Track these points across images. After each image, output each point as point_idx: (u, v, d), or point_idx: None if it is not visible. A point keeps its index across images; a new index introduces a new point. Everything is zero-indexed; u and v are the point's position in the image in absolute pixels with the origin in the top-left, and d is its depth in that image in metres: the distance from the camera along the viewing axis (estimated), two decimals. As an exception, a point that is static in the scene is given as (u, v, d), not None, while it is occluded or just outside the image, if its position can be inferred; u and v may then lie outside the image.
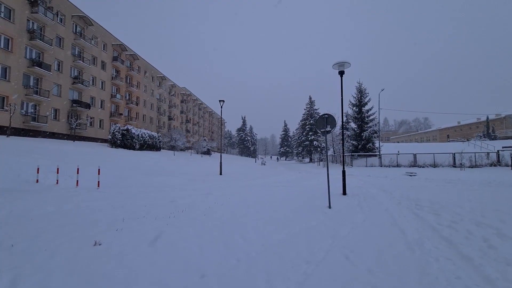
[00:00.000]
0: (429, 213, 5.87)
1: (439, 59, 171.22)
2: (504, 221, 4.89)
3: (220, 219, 5.21)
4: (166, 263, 3.07)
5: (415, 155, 25.51)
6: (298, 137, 61.87)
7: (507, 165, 21.50)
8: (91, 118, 31.59)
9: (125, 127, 27.87)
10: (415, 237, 4.19)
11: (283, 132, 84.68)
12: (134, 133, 27.69)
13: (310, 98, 59.79)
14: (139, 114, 42.56)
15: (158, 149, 32.56)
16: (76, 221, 4.72)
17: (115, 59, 35.80)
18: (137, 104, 41.25)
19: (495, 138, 45.26)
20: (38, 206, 5.72)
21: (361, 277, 2.80)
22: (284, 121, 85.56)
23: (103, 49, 34.18)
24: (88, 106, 29.87)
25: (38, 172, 9.02)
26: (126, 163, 17.13)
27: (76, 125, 27.48)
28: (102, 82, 34.05)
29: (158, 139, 32.66)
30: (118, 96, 36.18)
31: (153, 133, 32.45)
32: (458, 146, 33.93)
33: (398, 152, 27.69)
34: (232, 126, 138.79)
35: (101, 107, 33.85)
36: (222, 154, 24.81)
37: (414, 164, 25.07)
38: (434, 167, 23.79)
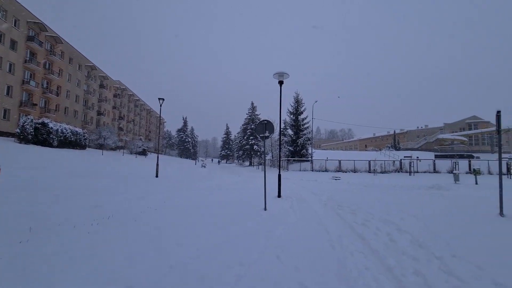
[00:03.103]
0: (348, 213, 6.72)
1: (369, 76, 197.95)
2: (403, 218, 5.95)
3: (153, 225, 4.92)
4: (87, 276, 2.75)
5: (340, 162, 28.83)
6: (239, 141, 62.75)
7: (406, 171, 26.18)
8: (-10, 106, 25.82)
9: (40, 120, 23.71)
10: (336, 234, 4.75)
11: (224, 135, 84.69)
12: (52, 128, 23.76)
13: (252, 103, 61.55)
14: (60, 106, 36.73)
15: (82, 147, 28.70)
16: (-38, 234, 3.80)
17: (30, 39, 30.13)
18: (57, 95, 35.53)
19: (399, 149, 54.35)
20: None
21: (289, 275, 3.03)
22: (227, 124, 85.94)
23: (14, 26, 28.43)
24: (-14, 91, 24.33)
25: None
26: (39, 162, 14.54)
27: (-33, 114, 22.07)
28: (10, 65, 28.24)
29: (83, 136, 28.81)
30: (32, 83, 30.48)
31: (77, 128, 28.47)
32: (373, 155, 39.76)
33: (327, 158, 30.80)
34: (172, 126, 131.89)
35: (8, 94, 27.98)
36: (159, 155, 23.32)
37: (339, 169, 28.28)
38: (354, 172, 27.27)
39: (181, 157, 78.93)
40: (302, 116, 37.23)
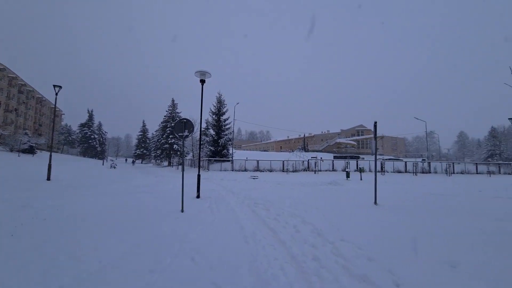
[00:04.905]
0: (263, 209, 7.21)
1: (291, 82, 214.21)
2: (307, 211, 6.79)
3: (39, 238, 4.08)
4: None
5: (258, 162, 30.57)
6: (158, 140, 58.26)
7: (312, 170, 30.02)
8: None
9: None
10: (251, 230, 5.04)
11: (140, 133, 76.83)
12: None
13: (172, 100, 58.15)
14: None
15: None
16: None
17: None
18: None
19: (307, 151, 61.78)
20: None
21: (203, 276, 3.05)
22: (143, 121, 77.79)
23: None
24: None
25: None
26: None
27: None
28: None
29: None
30: None
31: None
32: (286, 155, 43.90)
33: (247, 158, 32.12)
34: (73, 120, 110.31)
35: None
36: (55, 153, 19.24)
37: (257, 169, 29.94)
38: (270, 171, 29.41)
39: (84, 156, 67.55)
40: (224, 117, 37.60)
